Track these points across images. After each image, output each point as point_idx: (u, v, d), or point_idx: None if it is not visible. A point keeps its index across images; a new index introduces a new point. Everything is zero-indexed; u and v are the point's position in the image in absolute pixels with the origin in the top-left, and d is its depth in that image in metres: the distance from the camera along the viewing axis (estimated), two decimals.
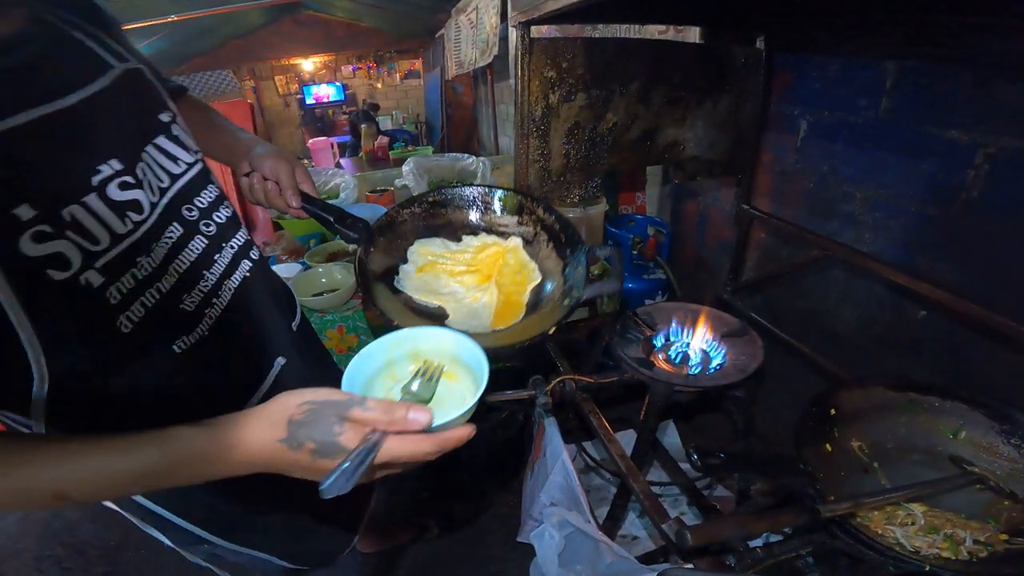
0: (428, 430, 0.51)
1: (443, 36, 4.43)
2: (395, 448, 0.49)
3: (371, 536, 1.60)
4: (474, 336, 0.63)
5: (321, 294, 1.49)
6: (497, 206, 0.95)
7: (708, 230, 1.75)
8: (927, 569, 0.64)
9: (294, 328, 0.96)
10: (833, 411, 0.88)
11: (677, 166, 1.29)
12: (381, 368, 0.64)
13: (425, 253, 0.89)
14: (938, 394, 0.87)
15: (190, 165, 0.73)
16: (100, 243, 0.56)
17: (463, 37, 3.54)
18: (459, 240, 0.92)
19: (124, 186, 0.60)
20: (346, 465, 0.45)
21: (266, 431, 0.49)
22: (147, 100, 0.71)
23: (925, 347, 1.13)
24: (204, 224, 0.73)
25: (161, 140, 0.70)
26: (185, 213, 0.70)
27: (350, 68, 7.33)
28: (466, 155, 2.10)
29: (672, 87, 1.24)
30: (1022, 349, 0.91)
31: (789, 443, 0.85)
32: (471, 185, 0.96)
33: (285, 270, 1.64)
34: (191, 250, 0.69)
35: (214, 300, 0.71)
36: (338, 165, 4.11)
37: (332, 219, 0.86)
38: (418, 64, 7.32)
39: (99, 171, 0.58)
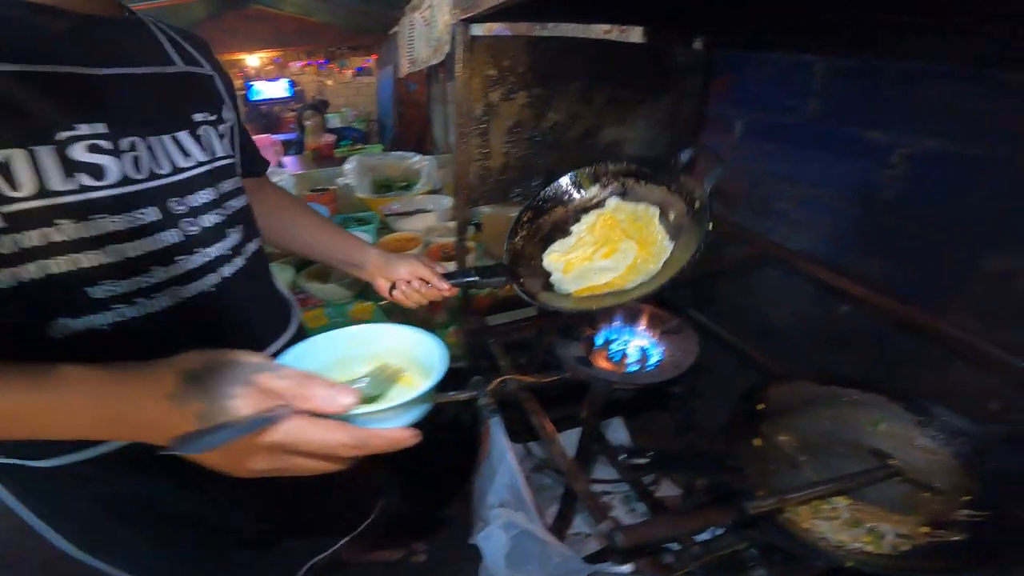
0: (350, 419, 0.46)
1: (397, 33, 4.35)
2: (299, 429, 0.43)
3: (360, 546, 1.54)
4: (653, 276, 0.76)
5: None
6: (574, 190, 1.04)
7: None
8: (849, 565, 0.65)
9: (273, 348, 0.90)
10: (762, 406, 0.90)
11: None
12: (331, 364, 0.60)
13: (557, 259, 0.98)
14: (859, 387, 0.91)
15: (200, 164, 0.74)
16: (19, 190, 0.54)
17: (417, 34, 3.49)
18: (569, 233, 1.01)
19: (94, 149, 0.59)
20: (220, 432, 0.38)
21: (153, 384, 0.44)
22: (193, 99, 0.77)
23: (850, 341, 1.18)
24: (188, 221, 0.71)
25: (183, 135, 0.72)
26: (172, 204, 0.69)
27: (299, 64, 7.11)
28: (412, 154, 2.05)
29: (614, 86, 1.25)
30: (937, 342, 0.95)
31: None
32: (545, 187, 1.05)
33: None
34: (157, 239, 0.67)
35: (154, 296, 0.68)
36: (280, 164, 3.96)
37: (478, 278, 0.97)
38: (372, 61, 7.17)
39: (75, 128, 0.58)
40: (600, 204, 1.03)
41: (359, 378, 0.57)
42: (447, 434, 1.64)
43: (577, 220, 1.03)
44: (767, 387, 0.92)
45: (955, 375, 1.06)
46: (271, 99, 6.94)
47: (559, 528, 1.33)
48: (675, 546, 0.78)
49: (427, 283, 0.98)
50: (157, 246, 0.67)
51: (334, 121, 5.87)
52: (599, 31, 1.78)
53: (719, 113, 1.46)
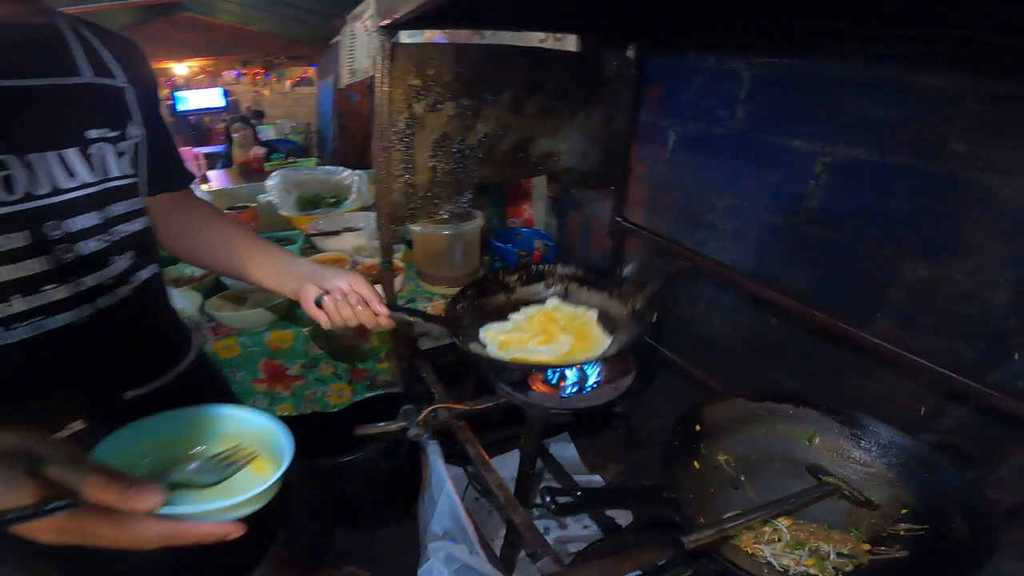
0: (164, 515, 0.45)
1: (338, 43, 4.22)
2: (86, 523, 0.44)
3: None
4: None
5: None
6: (518, 284, 1.11)
7: (591, 242, 1.76)
8: None
9: (161, 383, 0.82)
10: (699, 427, 0.88)
11: (552, 178, 1.27)
12: (172, 442, 0.58)
13: (494, 336, 1.01)
14: (792, 402, 0.90)
15: (87, 184, 0.68)
16: None
17: (358, 44, 3.38)
18: (507, 319, 1.05)
19: None
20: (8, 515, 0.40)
21: None
22: (92, 114, 0.71)
23: (782, 352, 1.19)
24: (62, 248, 0.65)
25: (70, 152, 0.67)
26: (46, 229, 0.64)
27: (233, 74, 6.80)
28: (341, 168, 1.95)
29: (546, 96, 1.22)
30: (862, 352, 0.96)
31: None
32: (497, 272, 1.11)
33: None
34: (22, 267, 0.62)
35: (13, 327, 0.63)
36: (204, 179, 3.73)
37: (420, 320, 0.98)
38: (311, 71, 6.96)
39: None
40: (541, 301, 1.09)
41: (201, 461, 0.56)
42: (389, 457, 1.57)
43: (516, 309, 1.08)
44: (702, 408, 0.90)
45: (881, 384, 1.08)
46: (201, 109, 6.59)
47: (508, 555, 1.26)
48: None
49: (364, 303, 0.88)
50: (20, 274, 0.62)
51: (268, 133, 5.63)
52: (535, 39, 1.76)
53: (652, 124, 1.45)
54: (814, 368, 1.17)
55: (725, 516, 0.70)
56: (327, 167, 2.01)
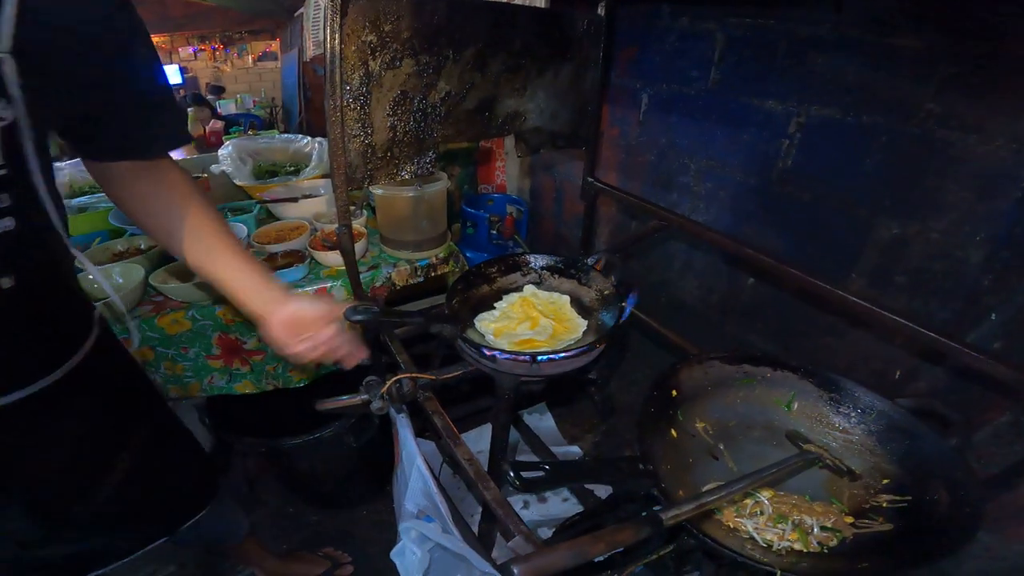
0: None
1: (302, 15, 4.03)
2: None
3: (273, 564, 1.38)
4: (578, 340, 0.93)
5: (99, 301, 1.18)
6: (498, 275, 1.16)
7: (564, 205, 1.72)
8: (777, 573, 0.61)
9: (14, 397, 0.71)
10: (675, 392, 0.85)
11: (519, 138, 1.21)
12: None
13: (487, 325, 1.04)
14: (769, 365, 0.87)
15: None
16: None
17: (322, 16, 3.22)
18: (494, 308, 1.09)
19: None
20: None
21: None
22: None
23: (757, 314, 1.18)
24: None
25: None
26: None
27: (191, 50, 6.46)
28: (299, 136, 1.85)
29: (512, 54, 1.15)
30: (835, 310, 0.95)
31: None
32: (479, 266, 1.16)
33: None
34: None
35: None
36: None
37: (425, 321, 0.92)
38: (275, 45, 6.67)
39: None
40: (519, 288, 1.14)
41: None
42: (359, 433, 1.52)
43: (499, 298, 1.12)
44: (678, 372, 0.86)
45: (856, 346, 1.08)
46: None
47: (487, 531, 1.23)
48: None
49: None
50: None
51: (228, 107, 5.39)
52: None
53: (625, 86, 1.41)
54: (789, 330, 1.16)
55: (704, 489, 0.66)
56: (286, 135, 1.89)
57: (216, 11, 5.40)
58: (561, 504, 1.53)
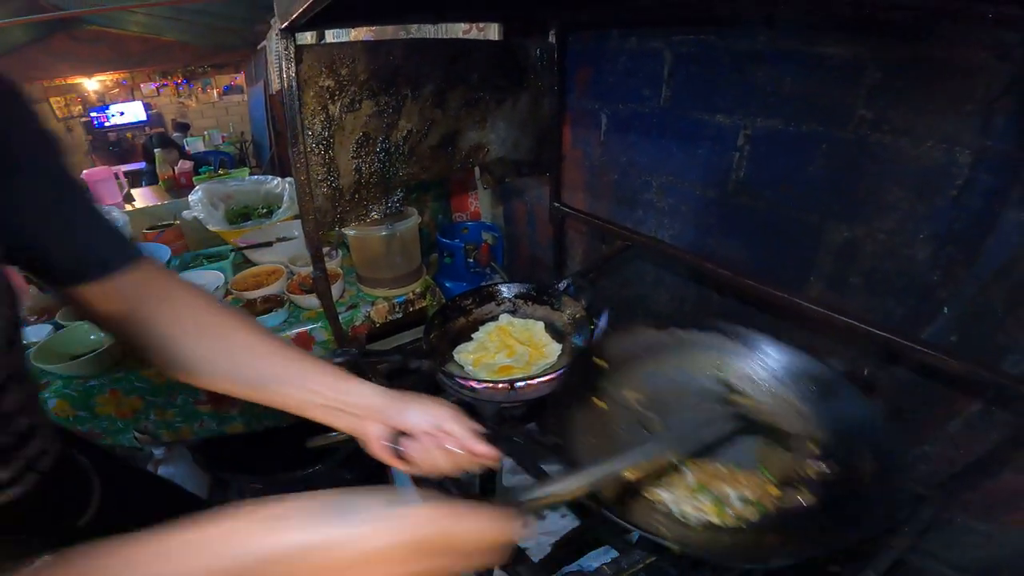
0: None
1: (265, 48, 4.04)
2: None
3: None
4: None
5: (82, 356, 1.18)
6: (473, 306, 1.19)
7: (538, 228, 1.75)
8: (677, 550, 0.58)
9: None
10: (602, 362, 0.82)
11: (483, 170, 1.25)
12: None
13: (466, 356, 1.06)
14: (697, 327, 0.86)
15: None
16: None
17: (278, 64, 3.23)
18: (472, 339, 1.12)
19: None
20: None
21: None
22: None
23: (728, 320, 1.21)
24: None
25: None
26: None
27: (153, 86, 6.40)
28: (270, 177, 1.86)
29: (469, 88, 1.18)
30: (793, 317, 0.98)
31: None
32: (454, 299, 1.20)
33: (32, 333, 1.29)
34: None
35: None
36: (128, 197, 3.48)
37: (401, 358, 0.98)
38: (240, 79, 6.64)
39: None
40: (495, 318, 1.17)
41: None
42: (352, 466, 1.52)
43: (476, 329, 1.15)
44: (607, 340, 0.84)
45: (822, 348, 1.11)
46: (120, 125, 6.17)
47: None
48: None
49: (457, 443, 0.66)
50: None
51: (196, 145, 5.33)
52: (459, 31, 1.72)
53: (583, 108, 1.45)
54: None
55: (584, 470, 0.56)
56: (256, 176, 1.90)
57: (176, 45, 5.35)
58: (560, 520, 1.54)
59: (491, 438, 0.66)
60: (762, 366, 0.84)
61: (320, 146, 1.02)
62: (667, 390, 0.84)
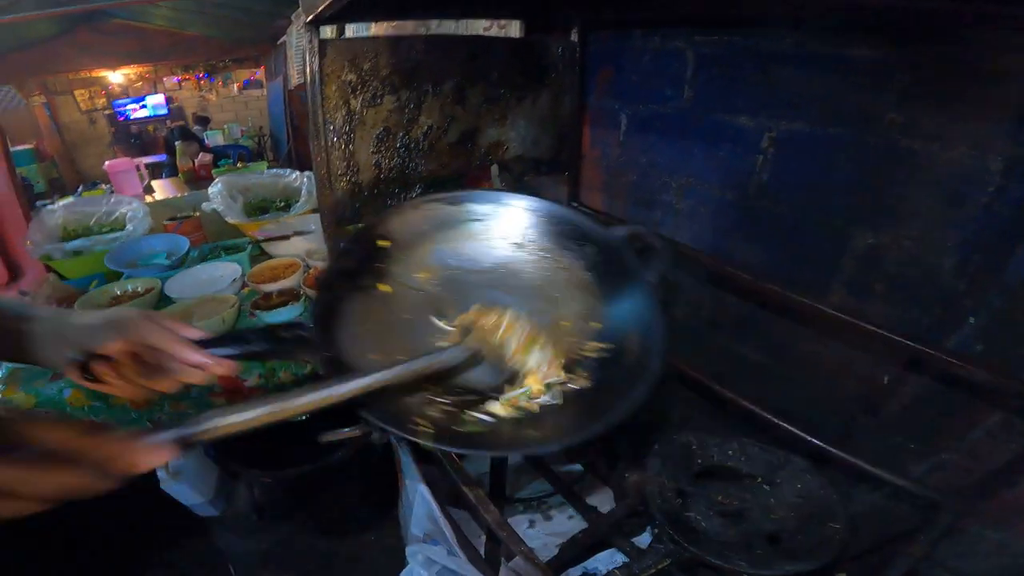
0: None
1: (285, 43, 4.09)
2: None
3: None
4: None
5: None
6: None
7: None
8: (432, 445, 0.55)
9: None
10: (384, 242, 0.74)
11: (502, 167, 1.24)
12: None
13: None
14: (492, 202, 0.79)
15: None
16: None
17: (302, 58, 3.26)
18: None
19: None
20: None
21: None
22: None
23: (745, 326, 1.20)
24: None
25: None
26: None
27: (175, 80, 6.50)
28: (288, 170, 1.88)
29: (490, 85, 1.18)
30: (814, 323, 0.97)
31: (654, 431, 0.77)
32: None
33: None
34: None
35: None
36: (148, 189, 3.53)
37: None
38: (260, 73, 6.71)
39: None
40: None
41: None
42: (364, 460, 1.53)
43: None
44: (388, 218, 0.75)
45: (842, 355, 1.09)
46: (143, 118, 6.28)
47: (492, 550, 1.24)
48: None
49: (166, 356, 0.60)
50: None
51: (216, 139, 5.41)
52: (480, 28, 1.73)
53: (603, 107, 1.44)
54: (777, 341, 1.18)
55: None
56: (275, 170, 1.92)
57: (199, 40, 5.45)
58: (567, 522, 1.53)
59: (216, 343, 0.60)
60: (558, 236, 0.77)
61: (341, 140, 1.02)
62: (462, 267, 0.76)
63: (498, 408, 0.63)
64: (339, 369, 0.62)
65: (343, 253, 0.72)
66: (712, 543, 0.72)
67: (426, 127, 1.12)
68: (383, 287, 0.71)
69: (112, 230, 1.57)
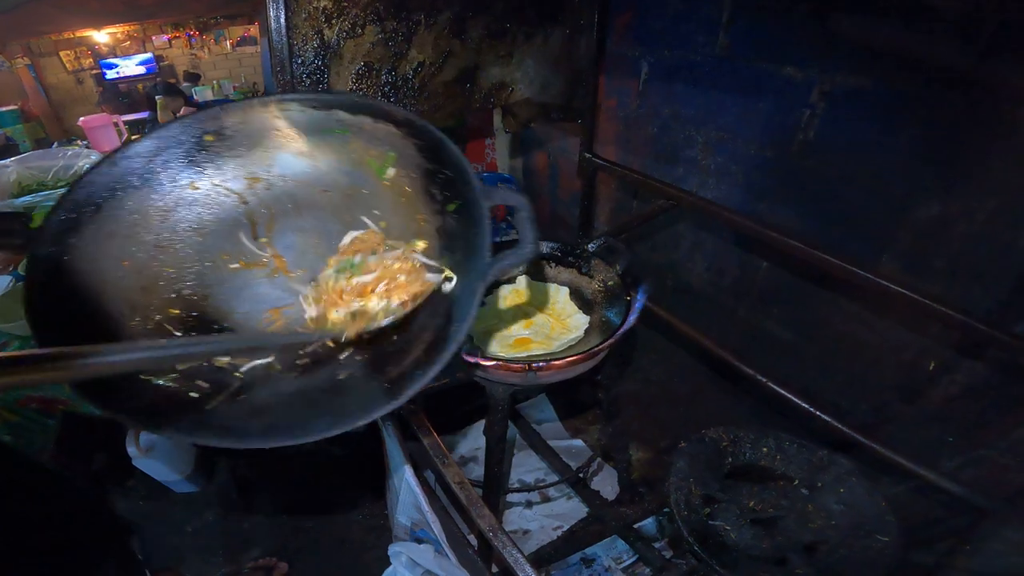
0: None
1: None
2: None
3: None
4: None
5: None
6: None
7: (560, 183, 1.61)
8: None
9: None
10: (212, 137, 0.59)
11: (507, 111, 1.09)
12: None
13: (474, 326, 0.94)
14: (370, 114, 0.61)
15: None
16: None
17: None
18: (484, 304, 0.98)
19: None
20: None
21: None
22: None
23: (774, 297, 1.08)
24: None
25: None
26: None
27: (165, 38, 6.23)
28: None
29: (494, 17, 1.02)
30: (863, 296, 0.84)
31: (665, 406, 0.67)
32: None
33: None
34: None
35: None
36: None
37: None
38: (253, 29, 6.45)
39: None
40: (511, 280, 1.00)
41: None
42: (344, 441, 1.44)
43: (490, 293, 1.00)
44: (227, 111, 0.58)
45: (885, 335, 0.98)
46: (130, 76, 6.06)
47: (486, 555, 1.14)
48: None
49: None
50: None
51: (205, 94, 5.22)
52: None
53: (622, 54, 1.29)
54: (809, 317, 1.06)
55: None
56: None
57: None
58: (566, 503, 1.44)
59: None
60: (426, 174, 0.62)
61: (311, 78, 0.88)
62: (304, 183, 0.62)
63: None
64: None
65: (158, 131, 0.57)
66: (742, 558, 0.60)
67: (416, 63, 0.96)
68: (192, 187, 0.59)
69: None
